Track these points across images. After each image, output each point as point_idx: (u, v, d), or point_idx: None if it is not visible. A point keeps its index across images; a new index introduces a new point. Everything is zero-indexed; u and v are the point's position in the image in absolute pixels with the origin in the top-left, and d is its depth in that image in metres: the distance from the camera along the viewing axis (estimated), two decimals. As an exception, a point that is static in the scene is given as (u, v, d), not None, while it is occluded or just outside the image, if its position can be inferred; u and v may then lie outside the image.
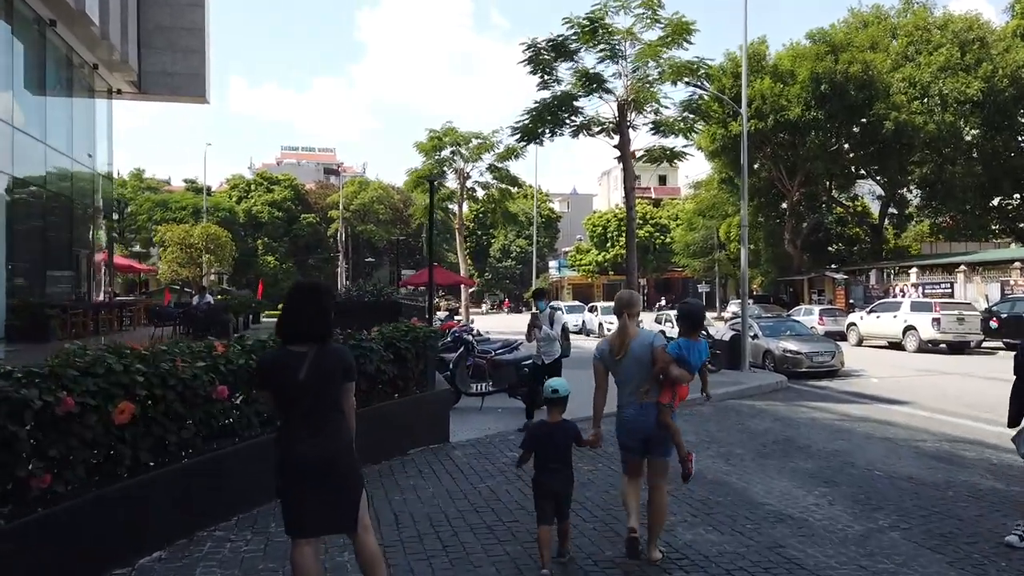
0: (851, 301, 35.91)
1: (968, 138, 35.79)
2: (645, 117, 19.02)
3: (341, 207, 58.51)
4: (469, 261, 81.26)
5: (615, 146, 18.94)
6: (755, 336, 18.51)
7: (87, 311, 17.32)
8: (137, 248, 58.99)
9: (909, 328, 24.13)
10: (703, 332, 5.79)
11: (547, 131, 19.74)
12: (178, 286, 35.29)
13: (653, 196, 72.60)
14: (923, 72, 34.02)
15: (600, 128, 19.66)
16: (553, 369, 9.25)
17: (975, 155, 35.61)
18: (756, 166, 38.11)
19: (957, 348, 23.53)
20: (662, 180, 78.76)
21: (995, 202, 38.94)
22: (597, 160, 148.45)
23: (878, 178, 38.91)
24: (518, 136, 19.64)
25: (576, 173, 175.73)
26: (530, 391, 9.39)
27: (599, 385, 4.83)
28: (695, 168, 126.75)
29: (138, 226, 56.84)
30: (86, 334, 16.11)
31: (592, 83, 18.08)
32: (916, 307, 24.50)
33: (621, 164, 19.06)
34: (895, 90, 33.38)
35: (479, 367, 10.50)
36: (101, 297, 22.73)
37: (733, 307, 42.45)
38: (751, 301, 44.63)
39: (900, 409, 12.64)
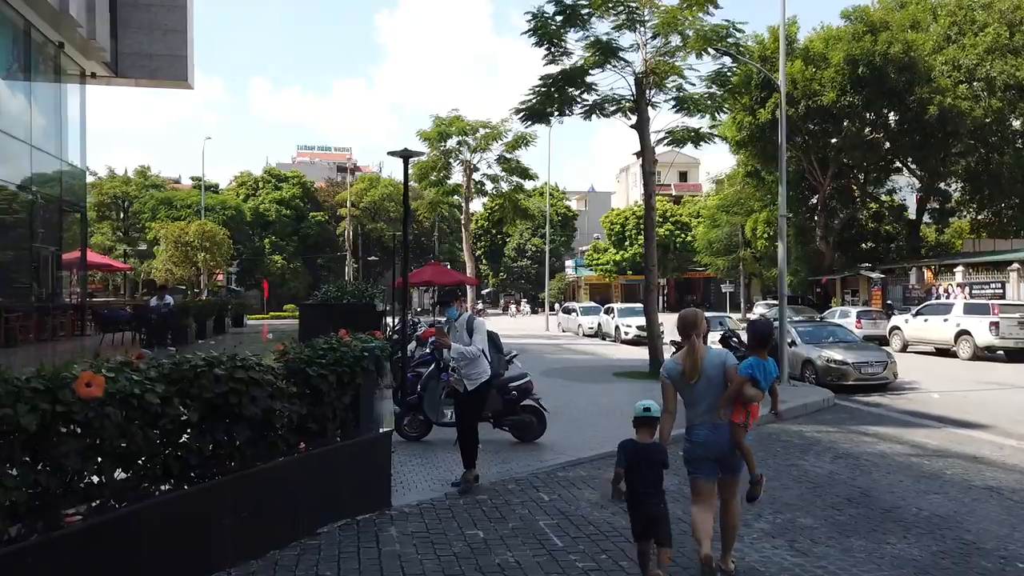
0: (889, 302, 33.24)
1: (1016, 125, 32.99)
2: (666, 94, 16.70)
3: (349, 204, 56.48)
4: (484, 261, 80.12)
5: (632, 126, 16.63)
6: (792, 343, 16.14)
7: (29, 314, 15.25)
8: (143, 247, 57.40)
9: (963, 333, 21.55)
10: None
11: (556, 111, 17.47)
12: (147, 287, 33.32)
13: (674, 193, 70.02)
14: (968, 54, 31.31)
15: (616, 107, 17.35)
16: (476, 399, 6.74)
17: (1020, 144, 32.78)
18: (787, 156, 35.53)
19: (1017, 356, 20.92)
20: (683, 176, 76.14)
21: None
22: (615, 157, 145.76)
23: (917, 170, 36.13)
24: (522, 116, 17.36)
25: (594, 171, 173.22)
26: (459, 430, 6.83)
27: (668, 409, 4.64)
28: (717, 164, 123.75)
29: (142, 224, 55.22)
30: (24, 341, 14.04)
31: (606, 54, 15.77)
32: (970, 309, 21.89)
33: (640, 151, 16.71)
34: (938, 73, 30.69)
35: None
36: (70, 299, 20.74)
37: (760, 308, 39.90)
38: (777, 302, 42.22)
39: (982, 436, 10.30)
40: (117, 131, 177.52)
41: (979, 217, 38.61)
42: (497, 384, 8.06)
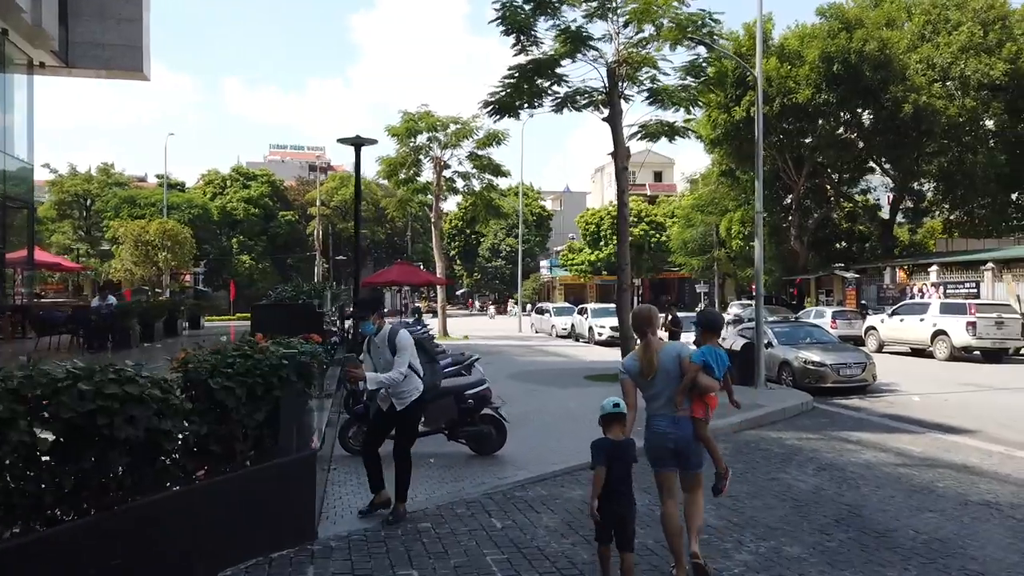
0: (863, 302, 33.01)
1: (989, 125, 32.90)
2: (640, 86, 16.05)
3: (319, 203, 55.29)
4: (458, 261, 79.15)
5: (604, 119, 15.97)
6: (769, 344, 15.59)
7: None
8: (105, 247, 55.77)
9: (939, 333, 21.23)
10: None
11: (525, 104, 16.75)
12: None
13: (648, 193, 69.69)
14: (943, 53, 31.15)
15: (588, 100, 16.69)
16: (408, 419, 5.70)
17: (992, 143, 32.67)
18: (762, 155, 35.18)
19: (993, 356, 20.64)
20: (657, 176, 75.92)
21: (1013, 196, 36.02)
22: (591, 157, 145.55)
23: (890, 170, 35.95)
24: (490, 109, 16.60)
25: (569, 171, 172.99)
26: (363, 455, 5.88)
27: (630, 404, 4.65)
28: (692, 164, 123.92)
29: (105, 223, 53.61)
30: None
31: (577, 43, 15.09)
32: (947, 309, 21.57)
33: (613, 147, 16.03)
34: (912, 72, 30.48)
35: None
36: (14, 300, 19.58)
37: (735, 308, 39.53)
38: (752, 303, 41.85)
39: (968, 442, 9.80)
40: (89, 129, 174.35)
41: (951, 217, 38.59)
42: (453, 392, 7.34)
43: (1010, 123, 32.01)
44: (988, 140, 32.60)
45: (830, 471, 7.81)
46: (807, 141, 33.38)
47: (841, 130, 33.40)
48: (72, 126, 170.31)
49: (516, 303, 59.32)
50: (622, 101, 16.09)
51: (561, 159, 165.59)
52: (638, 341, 4.73)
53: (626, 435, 4.48)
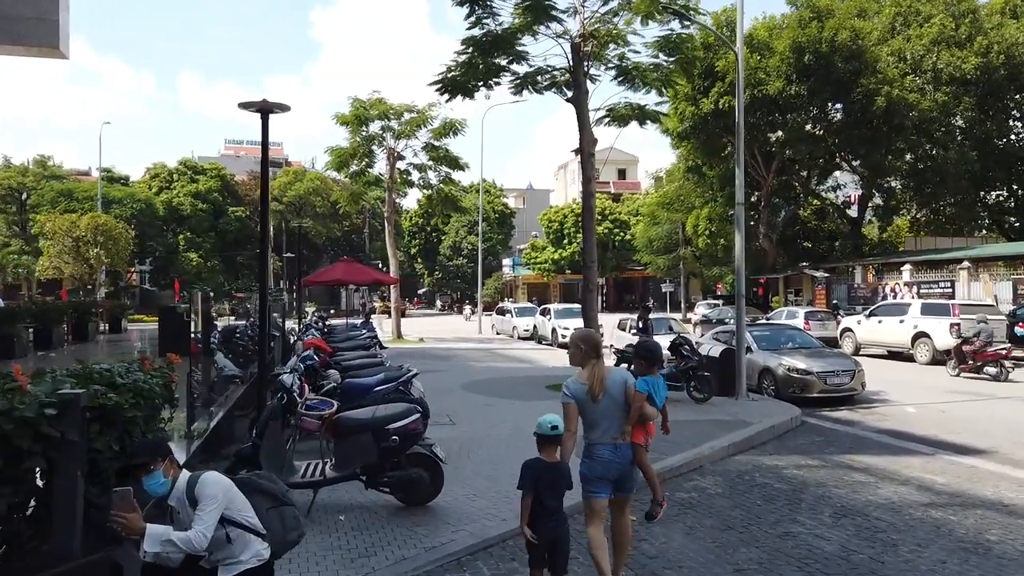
0: (834, 302, 31.97)
1: (959, 122, 32.13)
2: (607, 64, 14.47)
3: (270, 198, 52.72)
4: (419, 260, 77.01)
5: (568, 100, 14.35)
6: (748, 350, 14.11)
7: None
8: (41, 242, 52.58)
9: (920, 335, 20.06)
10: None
11: (481, 83, 15.05)
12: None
13: (612, 191, 68.47)
14: (914, 45, 30.25)
15: (550, 80, 15.07)
16: None
17: (960, 139, 31.90)
18: (727, 151, 34.01)
19: (975, 359, 19.52)
20: (621, 174, 74.76)
21: (981, 194, 35.39)
22: (555, 155, 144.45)
23: (859, 166, 35.02)
24: (441, 87, 14.85)
25: (533, 169, 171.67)
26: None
27: (571, 429, 4.45)
28: (656, 161, 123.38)
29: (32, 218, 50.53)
30: None
31: (538, 14, 13.43)
32: (929, 310, 20.40)
33: (579, 134, 14.38)
34: (884, 64, 29.49)
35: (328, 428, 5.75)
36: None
37: (702, 308, 38.36)
38: (720, 302, 40.69)
39: (990, 467, 8.50)
40: (43, 124, 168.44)
41: (918, 215, 37.89)
42: (371, 426, 5.60)
43: (979, 119, 31.27)
44: (960, 136, 31.83)
45: (851, 517, 6.27)
46: (778, 135, 32.27)
47: (811, 125, 32.34)
48: (36, 123, 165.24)
49: (467, 303, 56.74)
50: (588, 81, 14.50)
51: (526, 155, 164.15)
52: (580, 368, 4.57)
53: (565, 460, 4.36)
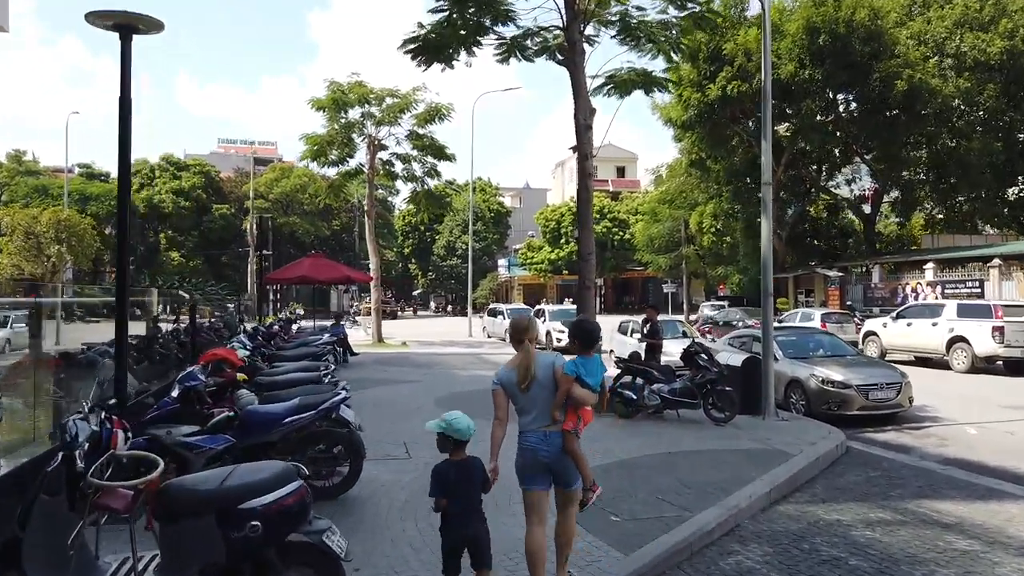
0: (849, 303, 29.86)
1: (981, 112, 30.00)
2: (609, 21, 12.31)
3: (253, 195, 50.43)
4: (413, 261, 74.70)
5: (561, 63, 12.19)
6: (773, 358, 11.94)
7: None
8: None
9: (957, 340, 17.92)
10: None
11: (460, 46, 12.88)
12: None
13: (611, 189, 66.31)
14: (935, 27, 28.14)
15: (541, 45, 12.90)
16: None
17: (980, 130, 29.75)
18: (733, 143, 31.88)
19: (1016, 367, 17.41)
20: (620, 172, 72.62)
21: (1009, 190, 33.23)
22: (552, 154, 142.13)
23: (871, 159, 32.88)
24: (412, 51, 12.67)
25: (530, 168, 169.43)
26: None
27: (499, 417, 4.37)
28: (656, 159, 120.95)
29: None
30: None
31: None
32: (966, 311, 18.24)
33: (574, 110, 12.18)
34: (904, 47, 27.38)
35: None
36: None
37: (707, 309, 36.20)
38: (725, 303, 38.48)
39: None
40: (41, 123, 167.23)
41: (934, 212, 35.76)
42: (218, 503, 3.38)
43: (1002, 108, 29.14)
44: (982, 125, 29.71)
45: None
46: (787, 126, 30.14)
47: (823, 115, 30.22)
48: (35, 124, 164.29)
49: (448, 304, 54.06)
50: (585, 44, 12.34)
51: (522, 156, 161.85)
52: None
53: (495, 449, 4.27)
